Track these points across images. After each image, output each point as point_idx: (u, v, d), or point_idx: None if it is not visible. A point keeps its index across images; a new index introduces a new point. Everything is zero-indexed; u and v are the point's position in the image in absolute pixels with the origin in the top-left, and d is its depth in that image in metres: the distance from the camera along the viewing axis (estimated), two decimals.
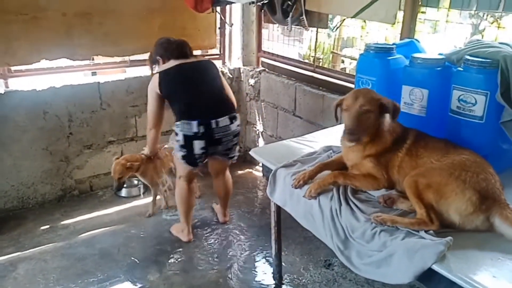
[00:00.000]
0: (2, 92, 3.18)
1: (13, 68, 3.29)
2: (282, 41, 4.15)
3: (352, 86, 3.05)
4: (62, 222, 3.33)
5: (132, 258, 2.93)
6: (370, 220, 1.61)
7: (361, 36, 4.45)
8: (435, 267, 1.38)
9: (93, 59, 3.61)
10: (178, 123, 2.83)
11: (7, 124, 3.23)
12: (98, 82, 3.55)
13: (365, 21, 4.20)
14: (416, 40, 2.47)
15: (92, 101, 3.54)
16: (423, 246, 1.43)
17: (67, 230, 3.24)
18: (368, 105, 1.72)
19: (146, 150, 3.25)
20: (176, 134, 2.87)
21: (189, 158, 2.88)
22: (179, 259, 2.94)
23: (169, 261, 2.91)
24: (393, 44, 2.32)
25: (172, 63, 2.88)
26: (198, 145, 2.82)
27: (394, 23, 2.79)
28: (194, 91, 2.84)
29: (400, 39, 2.72)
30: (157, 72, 2.88)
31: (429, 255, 1.39)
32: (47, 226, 3.26)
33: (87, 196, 3.71)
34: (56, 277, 2.73)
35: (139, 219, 3.40)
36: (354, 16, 2.92)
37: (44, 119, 3.36)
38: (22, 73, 3.38)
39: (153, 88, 2.87)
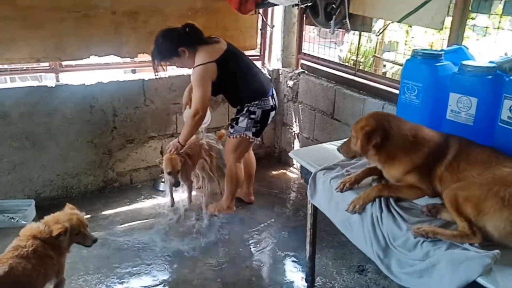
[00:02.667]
0: (53, 86, 3.34)
1: (64, 63, 3.44)
2: (318, 43, 4.13)
3: (395, 91, 3.02)
4: (103, 213, 3.46)
5: (169, 251, 3.01)
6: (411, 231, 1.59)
7: (405, 41, 4.36)
8: (480, 280, 1.35)
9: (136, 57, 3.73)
10: (255, 102, 3.12)
11: (56, 116, 3.39)
12: (143, 79, 3.67)
13: (410, 26, 4.13)
14: (464, 46, 2.40)
15: (136, 97, 3.67)
16: (468, 258, 1.40)
17: (107, 220, 3.36)
18: (353, 132, 1.84)
19: (174, 142, 3.18)
20: (250, 113, 3.12)
21: (260, 132, 3.25)
22: (213, 252, 3.00)
23: (204, 256, 2.97)
24: (441, 50, 2.27)
25: (213, 49, 3.00)
26: (271, 116, 3.25)
27: (441, 29, 2.72)
28: (255, 70, 3.20)
29: (448, 45, 2.65)
30: (210, 62, 2.94)
31: (475, 268, 1.36)
32: (89, 216, 3.39)
33: (127, 189, 3.84)
34: (96, 265, 2.84)
35: (177, 213, 3.48)
36: (400, 21, 2.88)
37: (91, 113, 3.51)
38: (72, 68, 3.54)
39: (209, 76, 2.96)
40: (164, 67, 3.24)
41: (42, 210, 3.36)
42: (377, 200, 1.78)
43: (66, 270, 2.75)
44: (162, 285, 2.69)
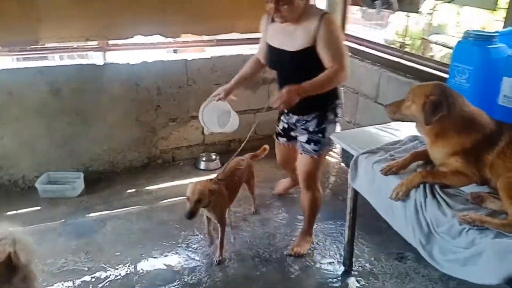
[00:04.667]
0: (101, 64, 3.47)
1: (110, 42, 3.54)
2: (363, 25, 4.01)
3: (443, 75, 2.90)
4: (146, 188, 3.60)
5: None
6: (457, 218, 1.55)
7: (457, 22, 4.16)
8: None
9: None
10: (339, 101, 2.56)
11: (104, 94, 3.53)
12: (186, 60, 3.73)
13: (461, 6, 3.92)
14: None
15: (179, 77, 3.74)
16: None
17: (151, 195, 3.49)
18: (412, 95, 1.76)
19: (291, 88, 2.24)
20: (336, 115, 2.56)
21: None
22: (249, 234, 3.05)
23: (241, 235, 3.03)
24: (496, 32, 2.15)
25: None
26: None
27: (494, 9, 2.58)
28: None
29: (504, 27, 2.51)
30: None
31: None
32: (133, 190, 3.54)
33: (169, 166, 3.96)
34: (139, 237, 2.97)
35: None
36: (450, 1, 2.75)
37: (136, 91, 3.62)
38: (118, 47, 3.64)
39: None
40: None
41: (90, 182, 3.57)
42: (421, 186, 1.74)
43: (111, 240, 2.93)
44: (199, 261, 2.78)
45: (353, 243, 2.59)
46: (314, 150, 2.53)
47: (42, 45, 3.30)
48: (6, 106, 3.27)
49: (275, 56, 2.51)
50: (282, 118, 2.79)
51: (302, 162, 2.64)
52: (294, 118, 2.62)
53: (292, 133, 2.73)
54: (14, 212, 3.23)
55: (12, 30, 3.09)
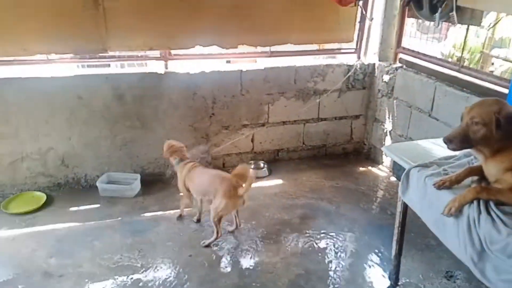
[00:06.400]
0: (163, 73, 3.68)
1: (172, 52, 3.75)
2: (420, 38, 3.95)
3: (504, 90, 2.81)
4: None
5: (255, 234, 3.17)
6: None
7: None
8: None
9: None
10: None
11: (164, 101, 3.73)
12: (241, 70, 3.87)
13: None
14: None
15: (233, 86, 3.88)
16: None
17: None
18: (479, 118, 1.64)
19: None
20: None
21: None
22: (297, 242, 3.08)
23: (288, 243, 3.07)
24: None
25: None
26: None
27: None
28: None
29: None
30: None
31: None
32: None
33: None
34: (189, 238, 3.10)
35: (263, 199, 3.64)
36: None
37: (193, 99, 3.80)
38: (179, 57, 3.84)
39: None
40: None
41: (146, 184, 3.77)
42: (475, 201, 1.71)
43: (163, 240, 3.07)
44: (248, 262, 2.85)
45: (400, 258, 2.55)
46: None
47: (107, 53, 3.53)
48: (75, 109, 3.56)
49: None
50: None
51: None
52: None
53: None
54: (76, 208, 3.48)
55: (83, 39, 3.36)
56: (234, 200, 2.88)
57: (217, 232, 2.98)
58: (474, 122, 1.68)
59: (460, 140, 1.72)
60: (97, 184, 3.63)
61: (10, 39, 3.22)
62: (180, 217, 3.34)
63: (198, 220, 3.28)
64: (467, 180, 1.85)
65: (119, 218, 3.34)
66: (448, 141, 1.74)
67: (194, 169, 3.12)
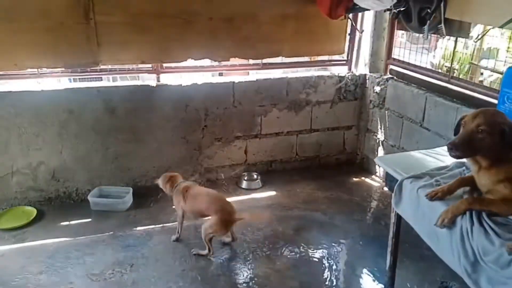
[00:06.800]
0: (154, 85, 3.68)
1: (164, 65, 3.76)
2: (409, 49, 4.00)
3: (493, 100, 2.84)
4: None
5: (248, 246, 3.14)
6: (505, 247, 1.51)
7: (507, 48, 4.05)
8: None
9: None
10: None
11: (156, 114, 3.73)
12: (233, 82, 3.88)
13: None
14: None
15: (226, 98, 3.89)
16: None
17: None
18: (485, 127, 1.62)
19: None
20: None
21: None
22: (290, 255, 3.06)
23: (282, 255, 3.05)
24: None
25: None
26: None
27: None
28: None
29: None
30: None
31: None
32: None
33: (213, 184, 4.06)
34: (185, 253, 3.06)
35: (257, 211, 3.63)
36: (502, 26, 2.71)
37: (185, 111, 3.80)
38: (170, 70, 3.85)
39: None
40: None
41: (138, 197, 3.74)
42: (467, 212, 1.71)
43: (156, 254, 3.03)
44: (242, 275, 2.83)
45: (395, 269, 2.54)
46: None
47: (99, 67, 3.53)
48: (66, 123, 3.54)
49: None
50: None
51: None
52: None
53: None
54: (67, 223, 3.43)
55: (75, 53, 3.36)
56: (227, 223, 2.92)
57: (209, 249, 2.98)
58: (480, 130, 1.64)
59: (465, 147, 1.67)
60: (89, 198, 3.59)
61: (1, 54, 3.20)
62: (177, 240, 3.21)
63: (177, 240, 3.20)
64: (459, 191, 1.86)
65: (111, 233, 3.30)
66: (454, 147, 1.67)
67: (188, 191, 3.09)
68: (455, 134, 1.79)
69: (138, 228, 3.36)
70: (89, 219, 3.49)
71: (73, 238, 3.22)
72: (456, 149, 1.67)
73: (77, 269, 2.86)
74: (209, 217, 2.98)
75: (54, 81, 3.95)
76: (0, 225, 3.34)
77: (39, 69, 3.43)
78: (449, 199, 1.83)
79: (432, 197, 1.84)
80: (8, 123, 3.40)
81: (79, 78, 3.98)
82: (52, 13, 3.20)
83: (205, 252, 2.99)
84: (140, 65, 3.74)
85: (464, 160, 2.08)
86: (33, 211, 3.49)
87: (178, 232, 3.20)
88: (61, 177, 3.67)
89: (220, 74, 4.62)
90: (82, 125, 3.58)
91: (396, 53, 4.08)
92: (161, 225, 3.41)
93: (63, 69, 3.50)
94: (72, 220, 3.46)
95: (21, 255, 3.00)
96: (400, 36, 4.30)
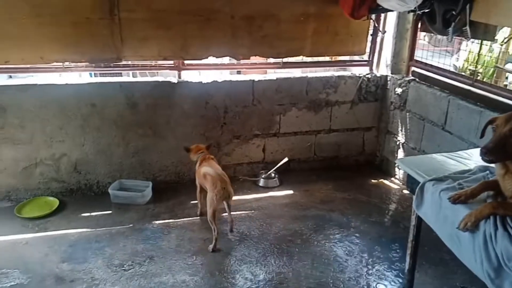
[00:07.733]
0: (176, 82, 3.72)
1: (186, 62, 3.79)
2: (432, 51, 3.95)
3: None
4: None
5: (266, 244, 3.16)
6: None
7: None
8: None
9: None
10: None
11: (176, 110, 3.77)
12: (253, 80, 3.89)
13: None
14: None
15: (245, 96, 3.91)
16: None
17: None
18: None
19: None
20: None
21: None
22: (307, 254, 3.07)
23: (298, 254, 3.06)
24: None
25: None
26: None
27: None
28: None
29: None
30: None
31: None
32: (196, 201, 3.69)
33: (231, 181, 4.07)
34: (200, 247, 3.10)
35: (274, 209, 3.64)
36: None
37: (205, 108, 3.83)
38: (192, 67, 3.89)
39: None
40: None
41: (157, 191, 3.79)
42: (491, 217, 1.69)
43: (174, 247, 3.07)
44: (259, 272, 2.84)
45: (414, 272, 2.52)
46: None
47: (121, 62, 3.59)
48: (89, 116, 3.61)
49: None
50: None
51: None
52: None
53: None
54: (88, 214, 3.51)
55: (99, 48, 3.42)
56: (221, 193, 3.05)
57: (214, 230, 3.04)
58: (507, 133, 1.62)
59: (499, 151, 1.63)
60: (109, 190, 3.66)
61: (28, 47, 3.28)
62: (201, 215, 3.48)
63: (201, 214, 3.46)
64: (483, 195, 1.83)
65: (130, 225, 3.36)
66: (488, 151, 1.63)
67: (202, 164, 3.33)
68: (481, 137, 1.77)
69: (157, 222, 3.41)
70: (110, 211, 3.55)
71: (94, 229, 3.29)
72: (490, 154, 1.64)
73: (97, 259, 2.92)
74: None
75: (76, 75, 4.04)
76: (24, 214, 3.43)
77: (63, 63, 3.51)
78: (472, 202, 1.82)
79: (455, 200, 1.82)
80: (33, 115, 3.49)
81: (99, 73, 4.04)
82: (77, 8, 3.27)
83: (214, 236, 3.04)
84: (162, 62, 3.79)
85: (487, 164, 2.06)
86: (56, 202, 3.58)
87: (198, 206, 3.49)
88: (83, 169, 3.74)
89: (238, 72, 4.64)
90: (104, 119, 3.65)
91: (418, 55, 4.04)
92: (180, 219, 3.45)
93: (87, 63, 3.57)
94: (93, 212, 3.53)
95: (44, 244, 3.08)
96: (422, 38, 4.25)
